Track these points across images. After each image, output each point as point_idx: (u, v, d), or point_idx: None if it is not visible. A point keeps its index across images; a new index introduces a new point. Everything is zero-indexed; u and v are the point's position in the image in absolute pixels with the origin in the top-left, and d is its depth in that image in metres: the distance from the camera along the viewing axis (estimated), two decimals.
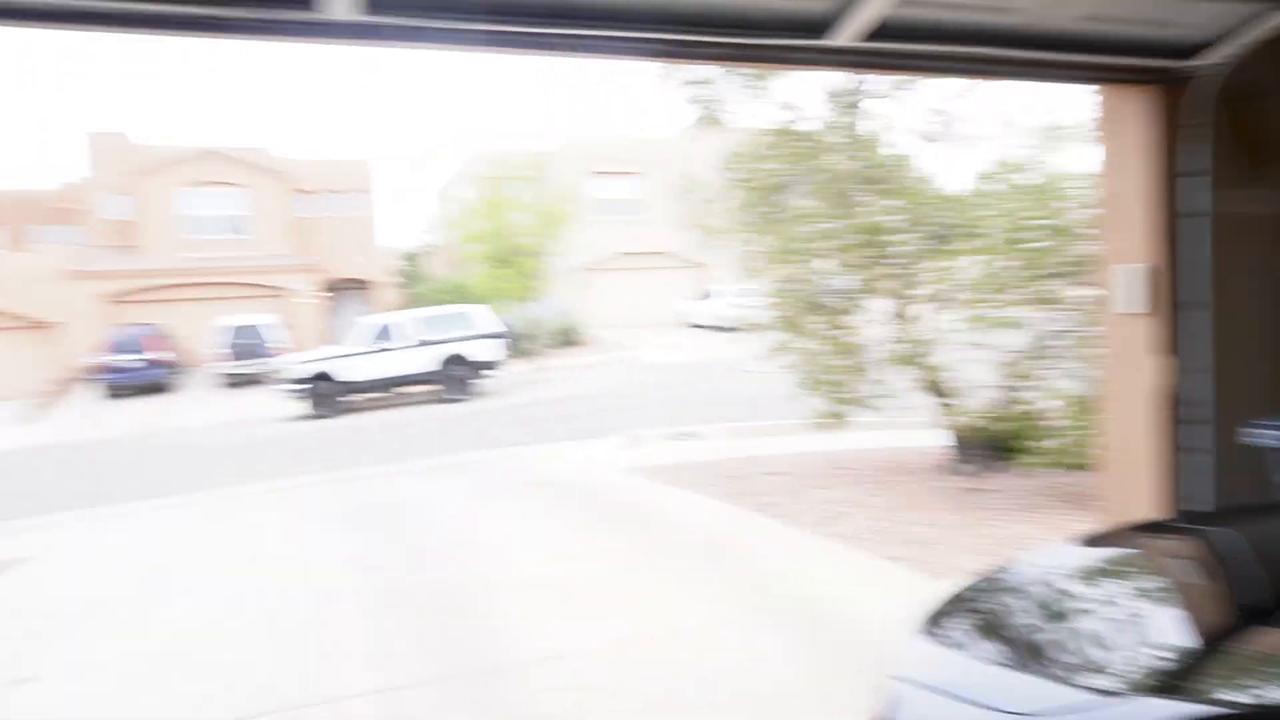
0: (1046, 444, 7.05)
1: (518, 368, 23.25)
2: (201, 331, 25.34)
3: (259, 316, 25.01)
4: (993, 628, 2.12)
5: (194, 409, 21.12)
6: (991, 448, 7.97)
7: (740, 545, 6.60)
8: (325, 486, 10.98)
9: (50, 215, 31.66)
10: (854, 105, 8.11)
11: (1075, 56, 3.12)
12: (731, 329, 23.83)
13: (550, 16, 2.20)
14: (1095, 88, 3.62)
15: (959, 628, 2.14)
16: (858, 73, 7.18)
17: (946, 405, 8.09)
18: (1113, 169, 3.61)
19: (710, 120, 8.62)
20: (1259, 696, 1.66)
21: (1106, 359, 3.71)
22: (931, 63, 3.05)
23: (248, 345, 23.86)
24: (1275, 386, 3.39)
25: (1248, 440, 2.90)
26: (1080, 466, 6.56)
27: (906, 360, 7.99)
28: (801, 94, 8.35)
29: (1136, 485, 3.51)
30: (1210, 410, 3.32)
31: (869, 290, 8.36)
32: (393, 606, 5.77)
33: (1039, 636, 2.02)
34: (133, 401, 22.56)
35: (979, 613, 2.20)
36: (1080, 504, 6.50)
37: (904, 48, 2.82)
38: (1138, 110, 3.44)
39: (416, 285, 31.55)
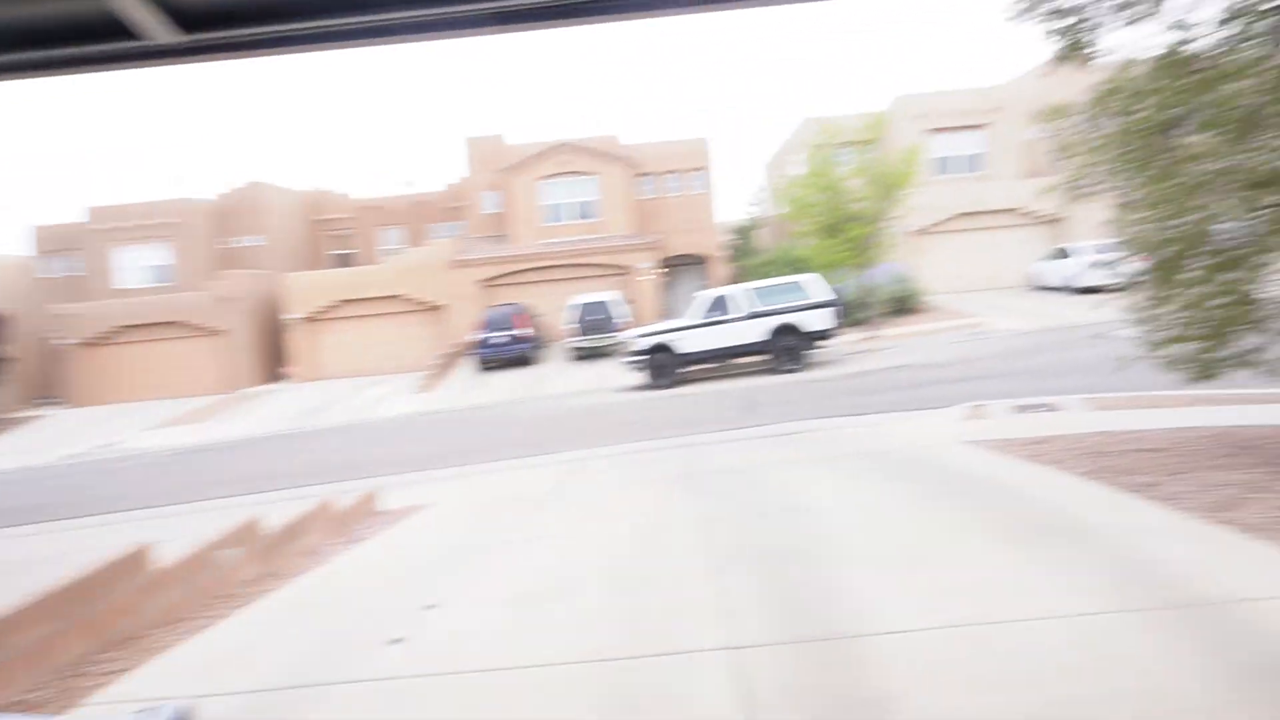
0: None
1: (851, 337, 22.73)
2: (557, 309, 27.92)
3: (605, 294, 26.98)
4: None
5: (550, 380, 23.35)
6: None
7: (1111, 529, 5.84)
8: (662, 452, 11.55)
9: (439, 214, 36.90)
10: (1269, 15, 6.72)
11: None
12: (1092, 290, 21.29)
13: None
14: None
15: None
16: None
17: None
18: None
19: (1076, 53, 7.64)
20: None
21: None
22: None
23: (595, 321, 25.88)
24: None
25: None
26: None
27: None
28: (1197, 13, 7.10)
29: None
30: None
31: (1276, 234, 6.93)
32: (732, 566, 5.88)
33: None
34: (502, 373, 25.51)
35: None
36: None
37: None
38: None
39: (748, 258, 32.06)
